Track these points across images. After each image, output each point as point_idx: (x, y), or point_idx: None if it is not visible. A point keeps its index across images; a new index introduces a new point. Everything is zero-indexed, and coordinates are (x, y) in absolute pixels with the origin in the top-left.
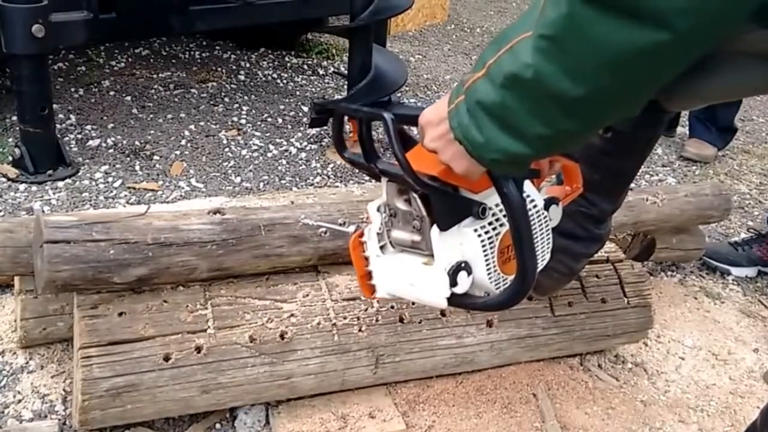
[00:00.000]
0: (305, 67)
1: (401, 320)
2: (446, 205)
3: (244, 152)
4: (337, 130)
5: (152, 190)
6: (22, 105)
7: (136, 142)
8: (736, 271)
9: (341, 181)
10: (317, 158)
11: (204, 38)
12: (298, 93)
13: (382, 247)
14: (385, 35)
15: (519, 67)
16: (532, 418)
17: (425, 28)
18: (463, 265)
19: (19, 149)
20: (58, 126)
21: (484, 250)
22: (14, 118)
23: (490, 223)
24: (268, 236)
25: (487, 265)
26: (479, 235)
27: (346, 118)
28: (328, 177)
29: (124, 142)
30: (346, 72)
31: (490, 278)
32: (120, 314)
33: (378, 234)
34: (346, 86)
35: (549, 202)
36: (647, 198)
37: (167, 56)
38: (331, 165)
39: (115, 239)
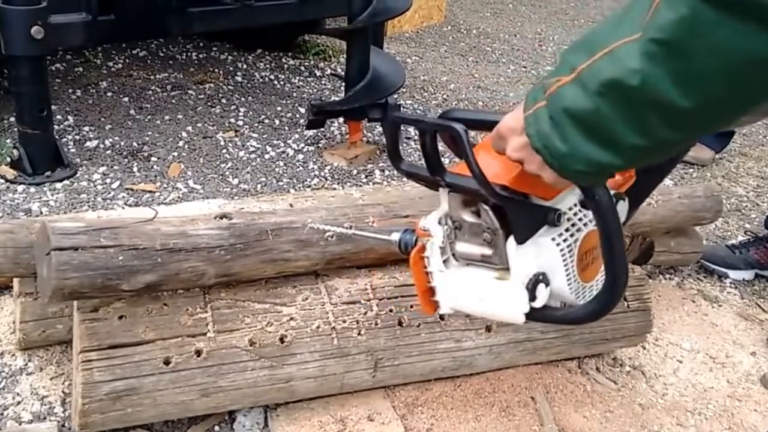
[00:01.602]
0: (302, 68)
1: (400, 324)
2: (523, 215)
3: (241, 154)
4: (392, 141)
5: (150, 192)
6: (21, 106)
7: (134, 143)
8: (733, 274)
9: (338, 183)
10: (314, 160)
11: (201, 39)
12: (295, 94)
13: (444, 262)
14: (383, 37)
15: (623, 72)
16: (531, 421)
17: (422, 29)
18: (541, 277)
19: (18, 150)
20: (56, 127)
21: (564, 260)
22: (12, 119)
23: (567, 230)
24: (275, 241)
25: (567, 274)
26: (558, 244)
27: (343, 122)
28: (326, 179)
29: (122, 143)
30: (343, 74)
31: (570, 288)
32: (120, 317)
33: (440, 248)
34: (343, 88)
35: (616, 199)
36: None
37: (164, 57)
38: (328, 167)
39: (123, 245)
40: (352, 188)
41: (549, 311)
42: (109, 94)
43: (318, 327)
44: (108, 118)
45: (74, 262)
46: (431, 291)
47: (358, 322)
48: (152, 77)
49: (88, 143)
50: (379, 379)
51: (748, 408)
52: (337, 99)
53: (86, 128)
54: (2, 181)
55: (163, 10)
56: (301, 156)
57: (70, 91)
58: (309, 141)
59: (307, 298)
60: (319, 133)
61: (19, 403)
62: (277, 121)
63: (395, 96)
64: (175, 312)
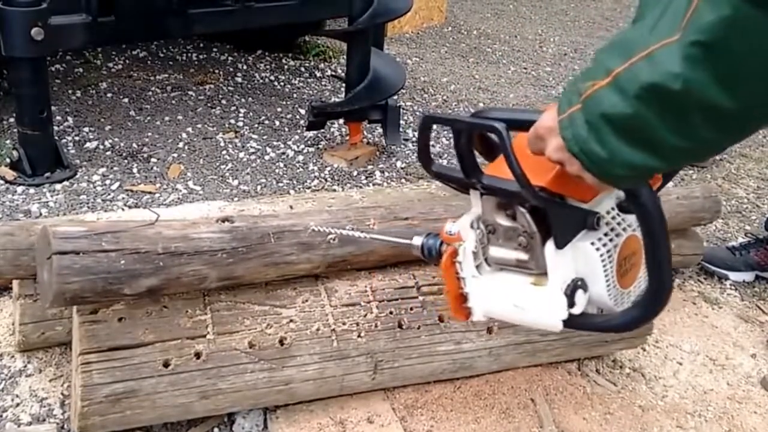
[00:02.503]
0: (302, 69)
1: (400, 326)
2: (563, 218)
3: (241, 155)
4: (424, 141)
5: (150, 193)
6: (21, 107)
7: (134, 145)
8: (733, 275)
9: (339, 185)
10: (314, 161)
11: (201, 40)
12: (295, 95)
13: (477, 267)
14: (383, 38)
15: (663, 76)
16: (530, 423)
17: (422, 30)
18: (579, 282)
19: (18, 151)
20: (55, 128)
21: (604, 265)
22: (12, 120)
23: (606, 234)
24: (277, 244)
25: (607, 280)
26: (597, 249)
27: (343, 124)
28: (326, 180)
29: (122, 144)
30: (343, 75)
31: (609, 294)
32: (120, 320)
33: (473, 253)
34: (343, 89)
35: None
36: None
37: (164, 58)
38: (328, 168)
39: (125, 249)
40: (352, 190)
41: (587, 318)
42: (109, 95)
43: (318, 329)
44: (108, 119)
45: (75, 267)
46: (463, 297)
47: (357, 324)
48: (152, 78)
49: (87, 144)
50: (378, 382)
51: (748, 410)
52: (337, 100)
53: (86, 129)
54: (2, 182)
55: (163, 11)
56: (301, 157)
57: (70, 92)
58: (309, 142)
59: (306, 300)
60: (319, 135)
61: (18, 404)
62: (277, 122)
63: (395, 97)
64: (175, 314)
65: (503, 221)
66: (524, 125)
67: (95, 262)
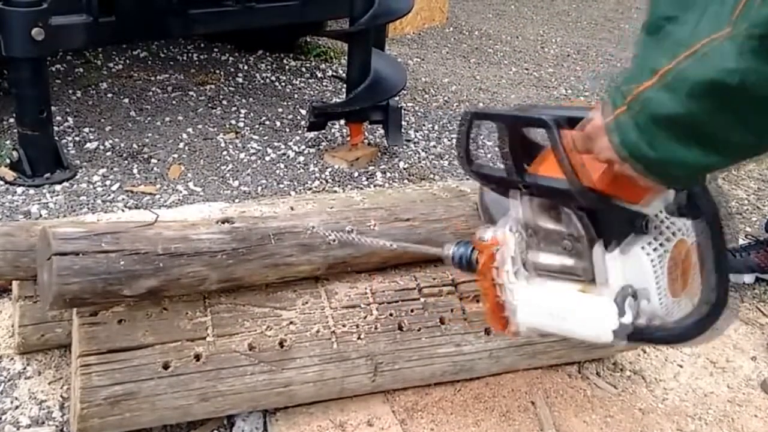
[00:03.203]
0: (303, 69)
1: (400, 328)
2: (614, 220)
3: (242, 156)
4: (466, 139)
5: (150, 194)
6: (21, 108)
7: (134, 145)
8: (734, 277)
9: (339, 186)
10: (315, 162)
11: (202, 40)
12: (296, 96)
13: (516, 273)
14: (384, 39)
15: (718, 72)
16: (531, 426)
17: (424, 30)
18: (630, 290)
19: (17, 152)
20: (55, 128)
21: (655, 271)
22: (12, 120)
23: (656, 239)
24: (278, 245)
25: (658, 287)
26: (648, 254)
27: (344, 125)
28: (326, 181)
29: (122, 144)
30: (344, 75)
31: (660, 303)
32: (119, 321)
33: (512, 258)
34: (344, 90)
35: None
36: None
37: (165, 58)
38: (329, 169)
39: (125, 250)
40: (353, 191)
41: (639, 329)
42: (110, 95)
43: (318, 331)
44: (108, 120)
45: (75, 267)
46: (501, 306)
47: (357, 326)
48: (153, 78)
49: (87, 145)
50: (378, 384)
51: (748, 413)
52: (338, 101)
53: (86, 129)
54: (1, 182)
55: (164, 11)
56: (301, 158)
57: (70, 92)
58: (310, 143)
59: (306, 302)
60: (320, 135)
61: (17, 407)
62: (278, 123)
63: (397, 98)
64: (175, 316)
65: (547, 224)
66: (570, 122)
67: (95, 262)
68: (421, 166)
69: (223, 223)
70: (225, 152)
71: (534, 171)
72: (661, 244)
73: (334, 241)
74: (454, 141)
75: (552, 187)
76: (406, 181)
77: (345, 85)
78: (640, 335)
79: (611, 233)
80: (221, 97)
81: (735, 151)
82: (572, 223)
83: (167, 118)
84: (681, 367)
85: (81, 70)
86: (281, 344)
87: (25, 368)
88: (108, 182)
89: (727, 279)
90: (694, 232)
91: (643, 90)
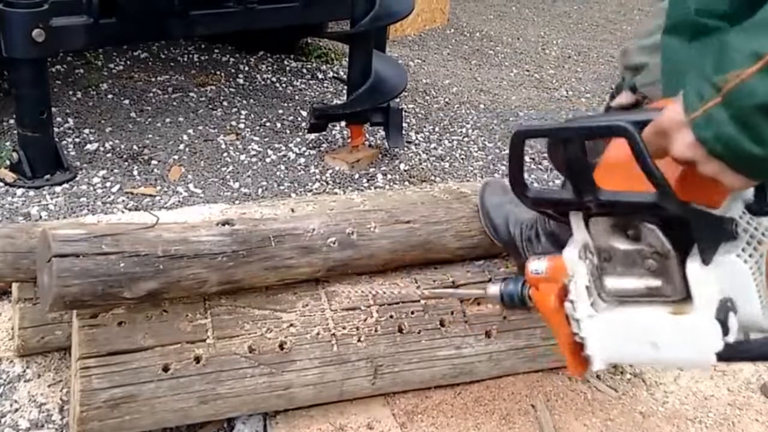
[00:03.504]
0: (304, 71)
1: (400, 330)
2: (707, 229)
3: (242, 157)
4: (518, 162)
5: (150, 196)
6: (21, 109)
7: (134, 146)
8: None
9: (340, 188)
10: (316, 164)
11: (203, 41)
12: (297, 97)
13: (592, 304)
14: (385, 40)
15: None
16: (531, 429)
17: (425, 32)
18: (729, 304)
19: (17, 153)
20: (55, 129)
21: (755, 279)
22: (12, 121)
23: (748, 243)
24: (278, 247)
25: (760, 296)
26: (745, 261)
27: (345, 126)
28: (327, 183)
29: (122, 146)
30: (345, 77)
31: (764, 313)
32: (119, 324)
33: (587, 288)
34: (345, 91)
35: None
36: None
37: (166, 59)
38: (330, 171)
39: (125, 252)
40: (353, 193)
41: (743, 346)
42: (110, 96)
43: (318, 333)
44: (108, 121)
45: (75, 269)
46: (579, 345)
47: (358, 328)
48: (153, 79)
49: (88, 146)
50: (378, 387)
51: (749, 417)
52: (339, 102)
53: (86, 131)
54: (1, 184)
55: (165, 12)
56: (302, 160)
57: (71, 93)
58: (311, 144)
59: (307, 305)
60: (320, 137)
61: (17, 410)
62: (278, 125)
63: (398, 100)
64: (175, 318)
65: (623, 245)
66: (641, 127)
67: (95, 264)
68: (422, 168)
69: (223, 225)
70: (225, 154)
71: (606, 187)
72: (754, 248)
73: (333, 243)
74: (507, 162)
75: (635, 202)
76: (406, 182)
77: (346, 87)
78: (750, 353)
79: (706, 244)
80: (222, 98)
81: None
82: (656, 239)
83: (168, 120)
84: (681, 370)
85: (81, 70)
86: (281, 347)
87: (24, 371)
88: (108, 184)
89: None
90: None
91: (746, 78)
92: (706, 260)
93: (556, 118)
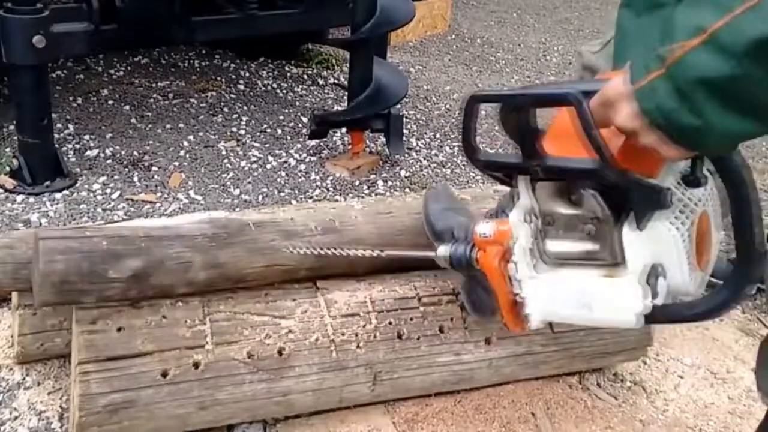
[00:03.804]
0: (305, 77)
1: (399, 337)
2: (641, 196)
3: (243, 164)
4: (469, 124)
5: (150, 202)
6: (22, 115)
7: (135, 153)
8: None
9: (340, 194)
10: (316, 170)
11: (203, 47)
12: (297, 103)
13: (534, 266)
14: (386, 47)
15: None
16: None
17: (426, 38)
18: (659, 269)
19: (17, 160)
20: (56, 136)
21: (685, 246)
22: (12, 127)
23: (681, 211)
24: (258, 231)
25: (688, 263)
26: (677, 228)
27: (345, 133)
28: (327, 190)
29: (123, 152)
30: (345, 83)
31: (691, 279)
32: (119, 329)
33: (529, 250)
34: (346, 98)
35: None
36: None
37: (166, 65)
38: (330, 177)
39: (107, 234)
40: (353, 199)
41: (668, 309)
42: (110, 102)
43: (317, 340)
44: (109, 127)
45: (60, 247)
46: (518, 303)
47: (357, 335)
48: (154, 85)
49: (88, 152)
50: (378, 393)
51: (749, 425)
52: (339, 109)
53: (87, 137)
54: (1, 190)
55: (166, 19)
56: (303, 166)
57: (71, 98)
58: (311, 151)
59: (306, 311)
60: (321, 143)
61: (16, 418)
62: (279, 131)
63: (398, 106)
64: (174, 324)
65: (565, 209)
66: (588, 96)
67: (79, 243)
68: (423, 175)
69: (204, 219)
70: (226, 160)
71: (553, 153)
72: (687, 217)
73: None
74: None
75: (577, 168)
76: (407, 189)
77: (346, 93)
78: (672, 315)
79: (640, 211)
80: (222, 104)
81: None
82: (595, 205)
83: (168, 126)
84: (681, 378)
85: (81, 76)
86: (280, 353)
87: (24, 378)
88: (108, 190)
89: (761, 251)
90: (712, 202)
91: (688, 51)
92: (640, 226)
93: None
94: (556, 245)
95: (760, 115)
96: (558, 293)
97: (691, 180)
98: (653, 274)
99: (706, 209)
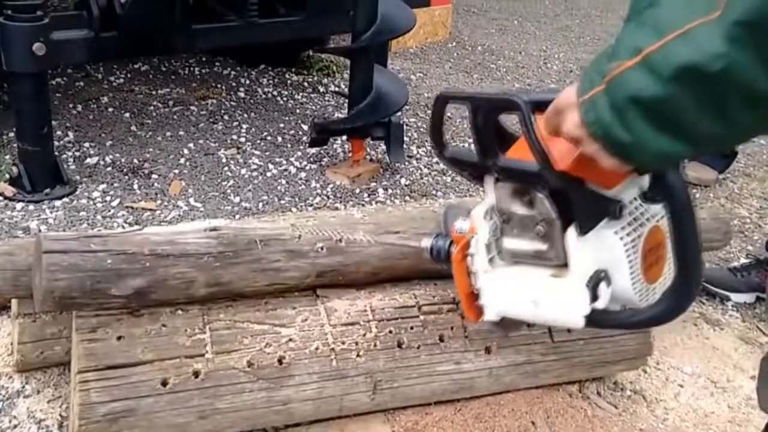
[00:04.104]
0: (305, 84)
1: (399, 346)
2: (585, 203)
3: (243, 171)
4: (437, 121)
5: (150, 210)
6: (22, 123)
7: (135, 160)
8: (735, 297)
9: (341, 202)
10: (317, 178)
11: (203, 54)
12: (298, 111)
13: (490, 260)
14: (387, 55)
15: (703, 57)
16: None
17: (426, 45)
18: (602, 274)
19: (17, 167)
20: (55, 143)
21: (628, 256)
22: (12, 135)
23: (629, 224)
24: (264, 250)
25: (632, 272)
26: (621, 238)
27: (346, 141)
28: (328, 198)
29: (123, 160)
30: (345, 91)
31: (634, 288)
32: (119, 338)
33: (486, 245)
34: (346, 105)
35: None
36: None
37: (166, 72)
38: (331, 185)
39: (112, 250)
40: (353, 208)
41: (611, 315)
42: (110, 109)
43: (317, 348)
44: (108, 134)
45: (64, 264)
46: (475, 295)
47: (357, 343)
48: (154, 92)
49: (88, 160)
50: (378, 402)
51: None
52: (340, 116)
53: (86, 144)
54: (1, 198)
55: (166, 26)
56: (303, 174)
57: (71, 106)
58: (312, 159)
59: (306, 319)
60: (321, 151)
61: (15, 426)
62: (279, 138)
63: (399, 114)
64: (174, 332)
65: (519, 209)
66: (543, 105)
67: (83, 260)
68: (423, 183)
69: (210, 231)
70: (226, 168)
71: (508, 155)
72: (635, 229)
73: (321, 249)
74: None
75: (524, 170)
76: (408, 198)
77: (347, 101)
78: (613, 321)
79: (584, 217)
80: (222, 111)
81: (703, 141)
82: (545, 207)
83: (168, 133)
84: (682, 386)
85: (81, 83)
86: (280, 361)
87: (23, 387)
88: (108, 198)
89: (699, 260)
90: (665, 217)
91: (625, 70)
92: (581, 231)
93: None
94: (511, 243)
95: (688, 137)
96: (511, 288)
97: (649, 197)
98: (597, 279)
99: (659, 225)
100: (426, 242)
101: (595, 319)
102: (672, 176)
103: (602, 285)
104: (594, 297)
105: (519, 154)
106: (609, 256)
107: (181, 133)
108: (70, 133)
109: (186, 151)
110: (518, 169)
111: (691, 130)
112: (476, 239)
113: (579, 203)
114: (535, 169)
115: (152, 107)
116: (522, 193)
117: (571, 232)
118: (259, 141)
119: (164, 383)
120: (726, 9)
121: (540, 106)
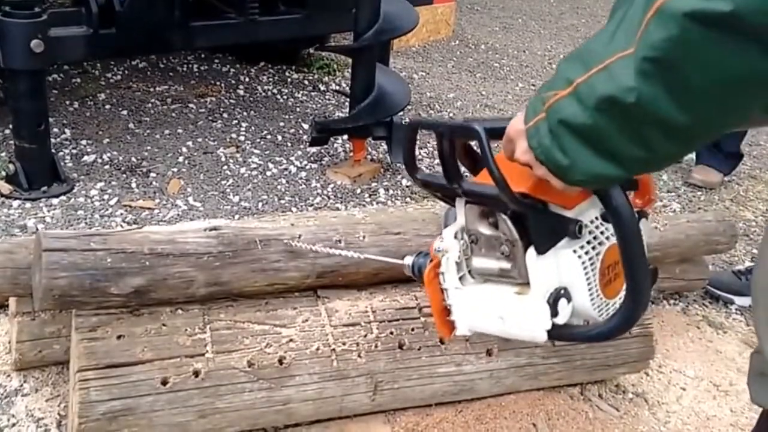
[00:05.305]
0: (306, 82)
1: (400, 347)
2: (544, 224)
3: (242, 170)
4: (410, 147)
5: (149, 209)
6: (19, 121)
7: (133, 159)
8: (739, 300)
9: (341, 203)
10: (317, 178)
11: (203, 51)
12: (298, 109)
13: (461, 278)
14: (389, 54)
15: (618, 90)
16: None
17: (429, 43)
18: (562, 291)
19: (14, 165)
20: (53, 141)
21: (586, 273)
22: (8, 132)
23: (588, 242)
24: (264, 250)
25: (590, 289)
26: (579, 257)
27: (347, 140)
28: (328, 197)
29: (120, 158)
30: (346, 89)
31: (593, 304)
32: (118, 337)
33: (456, 264)
34: (347, 104)
35: (639, 216)
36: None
37: (164, 69)
38: (332, 185)
39: (112, 249)
40: (354, 208)
41: (571, 329)
42: (108, 106)
43: (317, 349)
44: (106, 132)
45: (63, 263)
46: (447, 311)
47: (358, 344)
48: (152, 90)
49: (85, 158)
50: (378, 403)
51: None
52: (341, 115)
53: (84, 142)
54: None
55: (165, 24)
56: (303, 173)
57: (68, 103)
58: (312, 158)
59: (307, 320)
60: (322, 151)
61: (14, 425)
62: (279, 137)
63: (401, 114)
64: (174, 332)
65: (486, 230)
66: (502, 132)
67: (82, 259)
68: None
69: (211, 230)
70: (225, 167)
71: (472, 180)
72: (593, 248)
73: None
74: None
75: (485, 193)
76: (409, 198)
77: (348, 99)
78: (571, 335)
79: (545, 236)
80: (222, 109)
81: (631, 164)
82: (507, 228)
83: (166, 131)
84: (684, 390)
85: (78, 80)
86: (281, 361)
87: (22, 385)
88: (106, 196)
89: (645, 275)
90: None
91: (559, 98)
92: (540, 251)
93: None
94: (479, 262)
95: (617, 161)
96: (479, 305)
97: (605, 216)
98: (557, 296)
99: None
100: (408, 260)
101: (555, 333)
102: (615, 197)
103: (562, 301)
104: (554, 312)
105: (481, 178)
106: (568, 273)
107: (180, 131)
108: (67, 131)
109: (184, 150)
110: (480, 192)
111: (619, 155)
112: (447, 258)
113: (536, 224)
114: (494, 192)
115: (150, 105)
116: (487, 215)
117: (531, 251)
118: (258, 140)
119: (164, 382)
120: (638, 44)
121: (500, 132)
